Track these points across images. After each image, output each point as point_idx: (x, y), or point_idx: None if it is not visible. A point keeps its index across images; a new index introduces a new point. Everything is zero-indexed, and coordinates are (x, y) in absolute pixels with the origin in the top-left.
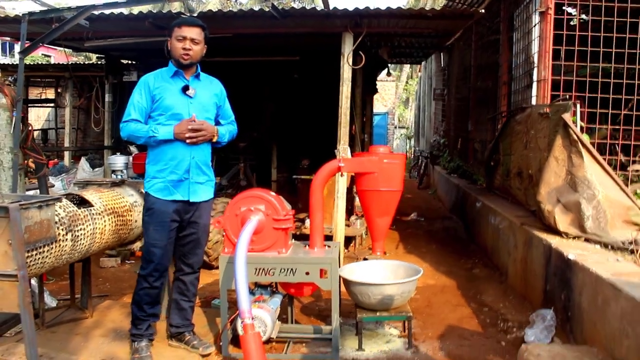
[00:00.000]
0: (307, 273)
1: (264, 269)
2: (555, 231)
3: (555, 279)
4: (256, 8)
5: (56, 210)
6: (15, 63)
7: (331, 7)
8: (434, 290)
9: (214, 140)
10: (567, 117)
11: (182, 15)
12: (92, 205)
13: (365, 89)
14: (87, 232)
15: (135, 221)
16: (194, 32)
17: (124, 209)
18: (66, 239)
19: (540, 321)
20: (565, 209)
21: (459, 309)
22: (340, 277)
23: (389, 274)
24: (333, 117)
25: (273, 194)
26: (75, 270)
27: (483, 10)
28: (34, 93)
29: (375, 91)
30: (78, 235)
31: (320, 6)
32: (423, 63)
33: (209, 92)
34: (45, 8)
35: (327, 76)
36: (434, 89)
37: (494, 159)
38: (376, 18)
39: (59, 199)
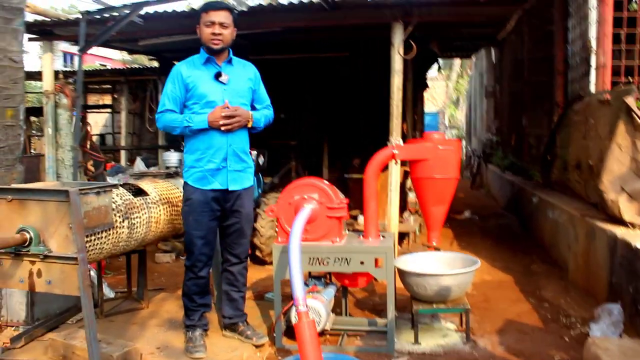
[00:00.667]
0: (362, 263)
1: (318, 259)
2: (620, 221)
3: (621, 271)
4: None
5: (113, 198)
6: (75, 70)
7: None
8: (490, 285)
9: (249, 125)
10: (630, 101)
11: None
12: (147, 195)
13: (416, 83)
14: (143, 220)
15: None
16: (222, 16)
17: (178, 199)
18: (123, 226)
19: (606, 316)
20: (631, 198)
21: (518, 304)
22: (395, 268)
23: (445, 265)
24: (385, 116)
25: (327, 182)
26: (132, 264)
27: None
28: (92, 100)
29: (426, 86)
30: (134, 223)
31: None
32: (474, 60)
33: (243, 76)
34: (101, 7)
35: (378, 72)
36: (485, 86)
37: (551, 152)
38: (426, 7)
39: (115, 186)
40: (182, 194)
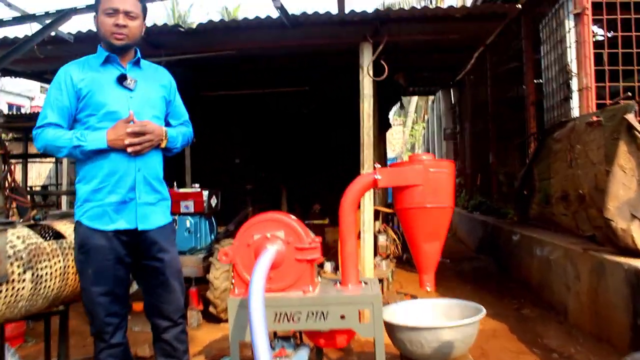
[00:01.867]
0: (342, 317)
1: (286, 314)
2: (634, 252)
3: None
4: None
5: (11, 241)
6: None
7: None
8: (483, 335)
9: (163, 145)
10: (631, 118)
11: (180, 29)
12: (64, 237)
13: (379, 123)
14: (56, 270)
15: None
16: (129, 3)
17: None
18: (23, 279)
19: None
20: None
21: (522, 357)
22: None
23: (441, 315)
24: (348, 156)
25: (293, 217)
26: (53, 327)
27: (520, 6)
28: (34, 149)
29: (389, 126)
30: (41, 275)
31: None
32: (430, 104)
33: (154, 83)
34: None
35: (340, 108)
36: (444, 129)
37: (528, 187)
38: (397, 23)
39: (11, 225)
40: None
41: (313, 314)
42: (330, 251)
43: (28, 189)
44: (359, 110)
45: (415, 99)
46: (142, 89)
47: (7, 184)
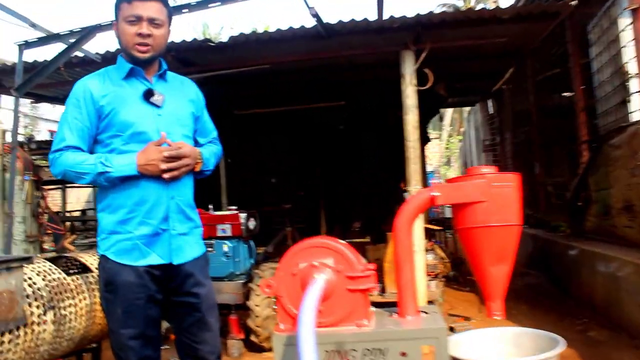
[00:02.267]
0: (403, 354)
1: (339, 352)
2: None
3: None
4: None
5: (29, 278)
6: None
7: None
8: None
9: (198, 169)
10: None
11: (210, 43)
12: (91, 271)
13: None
14: (81, 309)
15: None
16: (153, 9)
17: None
18: (44, 321)
19: None
20: None
21: None
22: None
23: (511, 346)
24: (389, 171)
25: (342, 241)
26: None
27: (574, 2)
28: None
29: (428, 140)
30: (65, 315)
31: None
32: (466, 115)
33: (183, 97)
34: (42, 34)
35: (378, 124)
36: (483, 141)
37: (582, 198)
38: (439, 28)
39: (28, 259)
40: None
41: (369, 350)
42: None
43: (67, 214)
44: (398, 124)
45: (449, 111)
46: (170, 105)
47: (40, 211)
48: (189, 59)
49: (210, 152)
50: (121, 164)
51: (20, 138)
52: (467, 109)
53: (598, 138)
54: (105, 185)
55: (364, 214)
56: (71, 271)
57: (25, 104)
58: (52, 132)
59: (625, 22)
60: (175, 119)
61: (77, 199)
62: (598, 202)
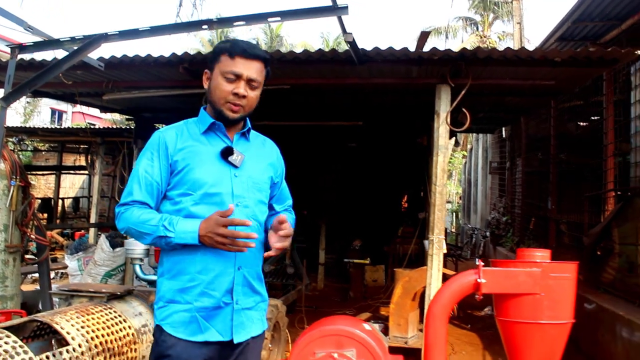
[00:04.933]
0: None
1: None
2: None
3: None
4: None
5: None
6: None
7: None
8: None
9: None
10: None
11: None
12: (66, 343)
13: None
14: None
15: (142, 358)
16: (254, 69)
17: (123, 341)
18: None
19: None
20: None
21: None
22: None
23: None
24: (390, 193)
25: (367, 326)
26: None
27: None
28: (70, 159)
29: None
30: None
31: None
32: (474, 135)
33: (263, 160)
34: (39, 39)
35: (390, 146)
36: (490, 162)
37: (603, 247)
38: (484, 65)
39: None
40: (130, 333)
41: None
42: (368, 292)
43: (60, 200)
44: (410, 148)
45: None
46: (248, 166)
47: (26, 220)
48: (201, 71)
49: (293, 222)
50: (184, 230)
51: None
52: None
53: (630, 188)
54: (167, 248)
55: (364, 233)
56: (42, 346)
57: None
58: (53, 110)
59: None
60: (253, 182)
61: (72, 184)
62: (622, 256)
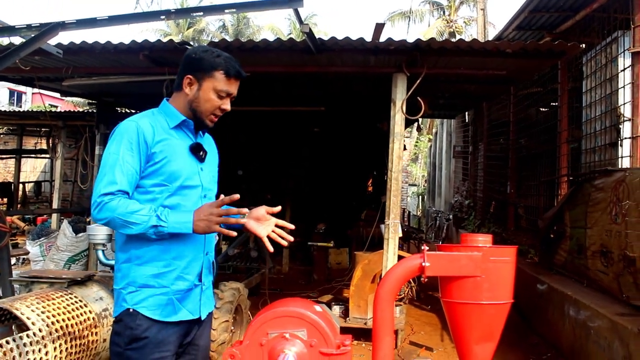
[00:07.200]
0: None
1: None
2: None
3: None
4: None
5: None
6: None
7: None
8: None
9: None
10: None
11: (187, 47)
12: (26, 328)
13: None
14: None
15: (104, 341)
16: (237, 87)
17: (84, 325)
18: None
19: None
20: None
21: None
22: None
23: None
24: (355, 177)
25: (318, 308)
26: None
27: (583, 46)
28: (30, 143)
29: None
30: None
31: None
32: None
33: (213, 155)
34: None
35: (353, 131)
36: (454, 146)
37: (556, 230)
38: (438, 55)
39: None
40: (91, 317)
41: None
42: (332, 275)
43: (20, 184)
44: (372, 133)
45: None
46: (207, 161)
47: None
48: (163, 59)
49: None
50: (177, 221)
51: None
52: None
53: (581, 175)
54: (153, 238)
55: (328, 216)
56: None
57: None
58: (12, 91)
59: (625, 62)
60: (212, 175)
61: (33, 168)
62: (572, 239)
